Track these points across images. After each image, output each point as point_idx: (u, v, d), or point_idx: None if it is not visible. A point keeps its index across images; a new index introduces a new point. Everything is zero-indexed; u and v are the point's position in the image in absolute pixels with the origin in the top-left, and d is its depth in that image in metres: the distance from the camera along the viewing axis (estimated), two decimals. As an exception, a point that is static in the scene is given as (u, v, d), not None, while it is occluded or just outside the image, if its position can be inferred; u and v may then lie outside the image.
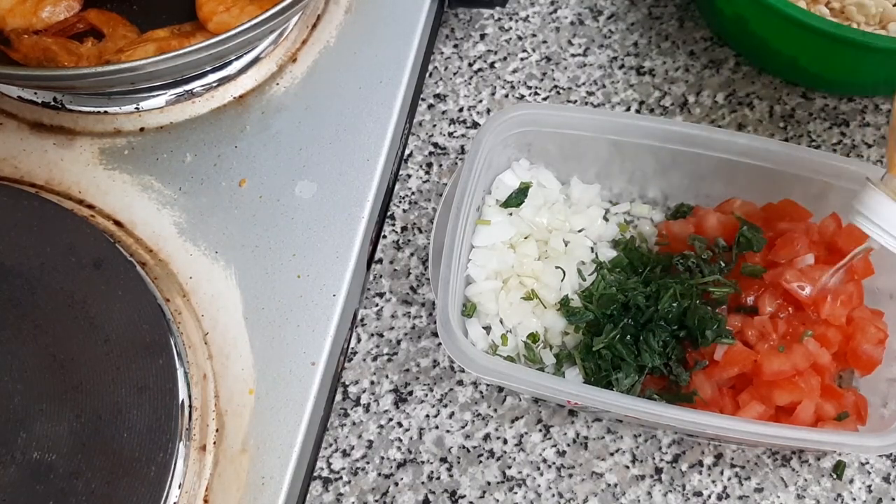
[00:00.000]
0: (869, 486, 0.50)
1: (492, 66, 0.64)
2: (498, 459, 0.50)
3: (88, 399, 0.40)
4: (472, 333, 0.51)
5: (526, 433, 0.50)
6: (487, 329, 0.52)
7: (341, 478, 0.49)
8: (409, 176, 0.59)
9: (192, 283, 0.45)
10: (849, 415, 0.47)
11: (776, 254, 0.49)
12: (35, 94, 0.50)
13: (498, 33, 0.65)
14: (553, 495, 0.49)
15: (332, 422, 0.50)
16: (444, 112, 0.61)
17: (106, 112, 0.50)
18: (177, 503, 0.40)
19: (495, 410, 0.51)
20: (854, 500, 0.49)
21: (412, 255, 0.56)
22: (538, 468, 0.50)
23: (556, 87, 0.63)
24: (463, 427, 0.51)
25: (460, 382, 0.52)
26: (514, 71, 0.64)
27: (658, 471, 0.50)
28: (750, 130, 0.62)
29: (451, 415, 0.51)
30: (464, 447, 0.50)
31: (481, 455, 0.50)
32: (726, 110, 0.63)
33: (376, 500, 0.48)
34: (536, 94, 0.63)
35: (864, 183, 0.44)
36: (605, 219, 0.56)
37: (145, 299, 0.43)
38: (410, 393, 0.51)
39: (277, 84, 0.52)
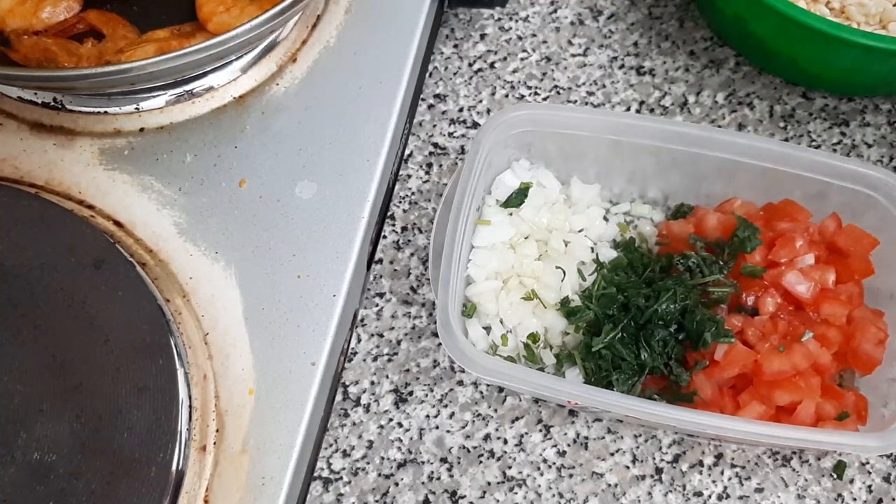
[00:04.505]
0: (869, 486, 0.50)
1: (492, 66, 0.64)
2: (498, 459, 0.50)
3: (88, 399, 0.40)
4: (473, 334, 0.51)
5: (526, 433, 0.50)
6: (487, 329, 0.52)
7: (341, 478, 0.49)
8: (409, 176, 0.59)
9: (192, 283, 0.45)
10: (849, 415, 0.47)
11: (776, 254, 0.49)
12: (35, 94, 0.50)
13: (498, 33, 0.65)
14: (553, 495, 0.49)
15: (333, 422, 0.50)
16: (444, 112, 0.61)
17: (106, 112, 0.50)
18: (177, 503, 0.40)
19: (495, 411, 0.51)
20: (854, 500, 0.49)
21: (412, 255, 0.56)
22: (538, 468, 0.49)
23: (556, 87, 0.63)
24: (463, 427, 0.51)
25: (460, 383, 0.52)
26: (514, 71, 0.64)
27: (658, 471, 0.50)
28: (750, 130, 0.62)
29: (452, 415, 0.51)
30: (464, 447, 0.50)
31: (481, 455, 0.50)
32: (726, 110, 0.63)
33: (376, 501, 0.48)
34: (536, 94, 0.63)
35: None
36: (605, 219, 0.56)
37: (145, 299, 0.43)
38: (411, 393, 0.51)
39: (277, 84, 0.52)
